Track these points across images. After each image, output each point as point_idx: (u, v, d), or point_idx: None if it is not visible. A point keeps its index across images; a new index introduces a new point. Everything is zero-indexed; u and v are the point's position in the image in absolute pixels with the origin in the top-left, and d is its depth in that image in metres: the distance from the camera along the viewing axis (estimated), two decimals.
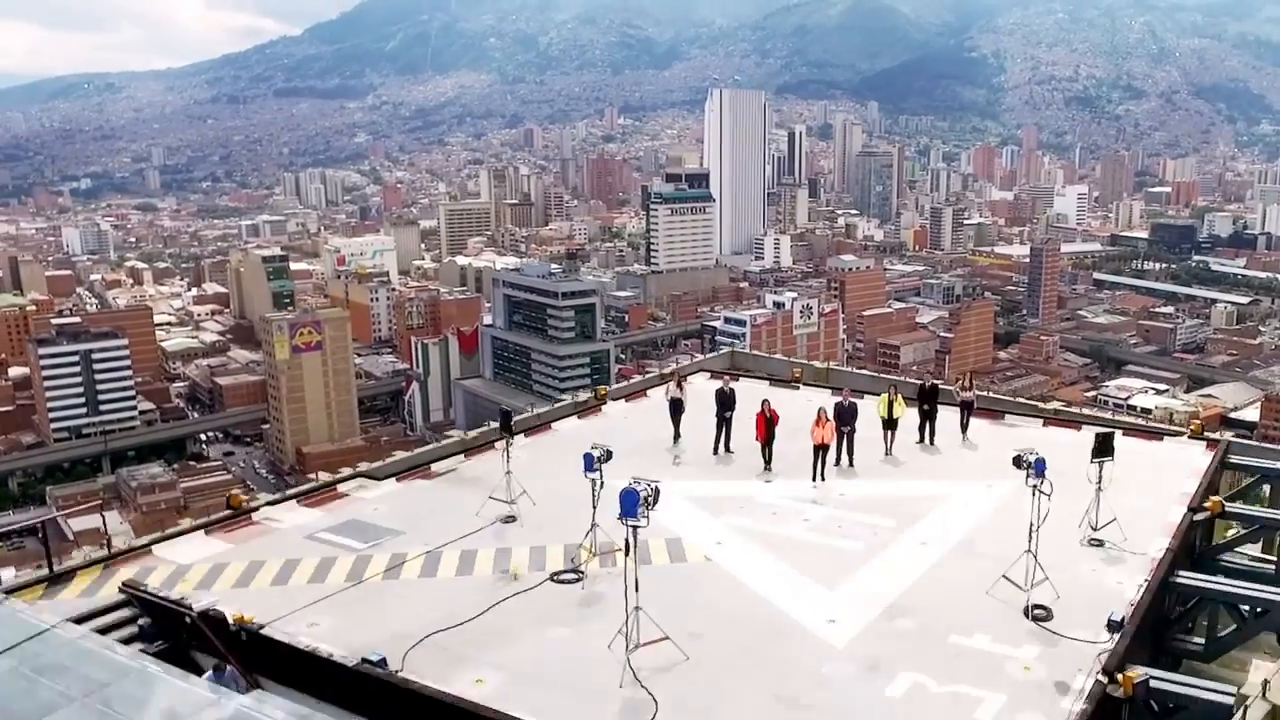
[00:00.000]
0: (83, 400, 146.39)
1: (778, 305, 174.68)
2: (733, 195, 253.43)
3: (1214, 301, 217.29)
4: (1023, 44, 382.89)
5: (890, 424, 21.65)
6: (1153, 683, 11.33)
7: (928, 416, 22.55)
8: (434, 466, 20.09)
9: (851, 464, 20.83)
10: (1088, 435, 19.45)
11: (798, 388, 27.83)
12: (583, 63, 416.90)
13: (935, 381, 24.45)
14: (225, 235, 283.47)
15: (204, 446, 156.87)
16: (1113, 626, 12.19)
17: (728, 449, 21.59)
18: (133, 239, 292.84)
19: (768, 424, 20.30)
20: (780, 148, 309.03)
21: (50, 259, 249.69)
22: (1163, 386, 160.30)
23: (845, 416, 20.73)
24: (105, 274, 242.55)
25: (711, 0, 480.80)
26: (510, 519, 17.03)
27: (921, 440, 22.48)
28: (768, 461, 20.53)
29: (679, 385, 23.26)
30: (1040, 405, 26.65)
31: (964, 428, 22.80)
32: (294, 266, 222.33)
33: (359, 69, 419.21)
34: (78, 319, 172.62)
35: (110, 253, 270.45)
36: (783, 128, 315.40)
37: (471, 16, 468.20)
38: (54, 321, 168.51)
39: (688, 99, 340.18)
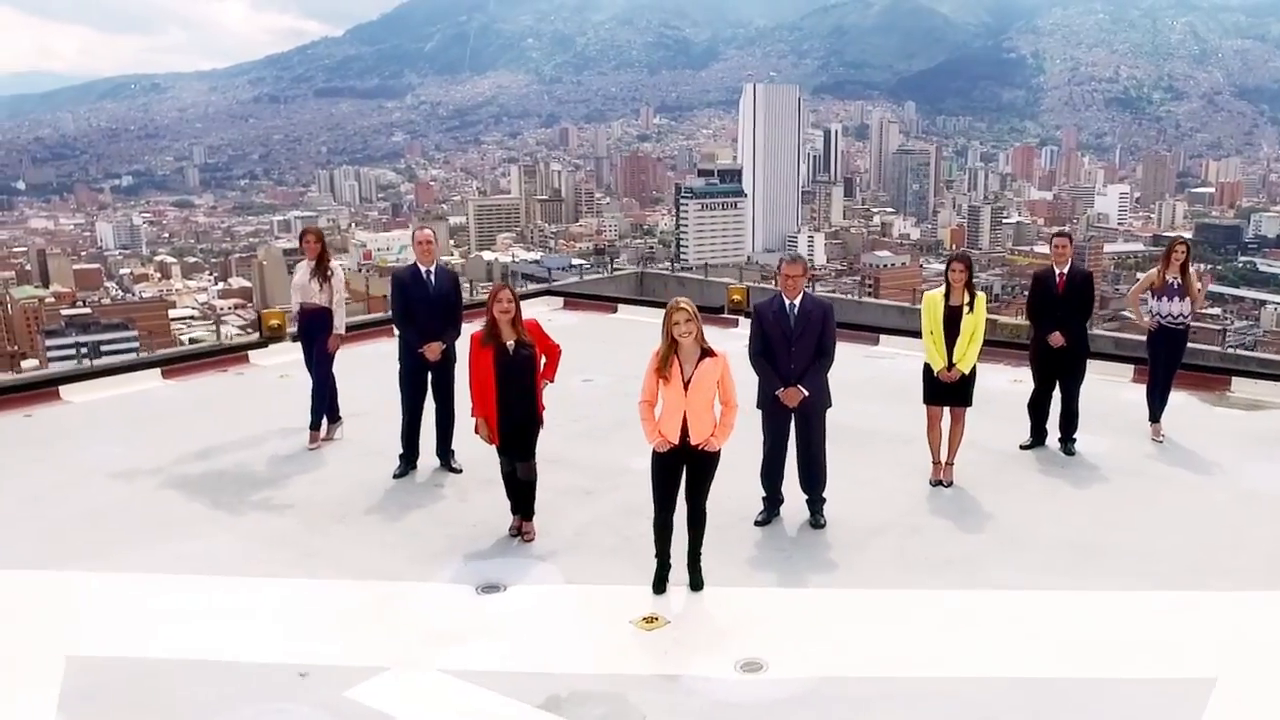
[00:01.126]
0: None
1: None
2: (766, 192, 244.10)
3: (1263, 303, 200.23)
4: (1062, 45, 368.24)
5: (956, 390, 8.80)
6: None
7: (1063, 368, 9.74)
8: None
9: (817, 519, 8.00)
10: None
11: (736, 323, 14.42)
12: (620, 63, 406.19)
13: (1086, 269, 10.61)
14: (258, 231, 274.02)
15: None
16: None
17: (444, 460, 9.22)
18: (167, 234, 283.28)
19: (509, 381, 7.47)
20: (816, 147, 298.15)
21: (83, 253, 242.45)
22: None
23: (783, 354, 7.83)
24: (135, 268, 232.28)
25: (747, 3, 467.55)
26: None
27: (1039, 442, 9.93)
28: (522, 510, 7.86)
29: (318, 274, 9.87)
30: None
31: (1156, 406, 10.17)
32: None
33: (398, 69, 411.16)
34: (88, 310, 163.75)
35: (143, 248, 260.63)
36: (819, 128, 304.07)
37: (510, 18, 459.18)
38: (64, 313, 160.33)
39: (724, 99, 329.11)
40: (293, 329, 12.42)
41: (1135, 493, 8.68)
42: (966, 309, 8.52)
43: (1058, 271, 9.57)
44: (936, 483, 8.86)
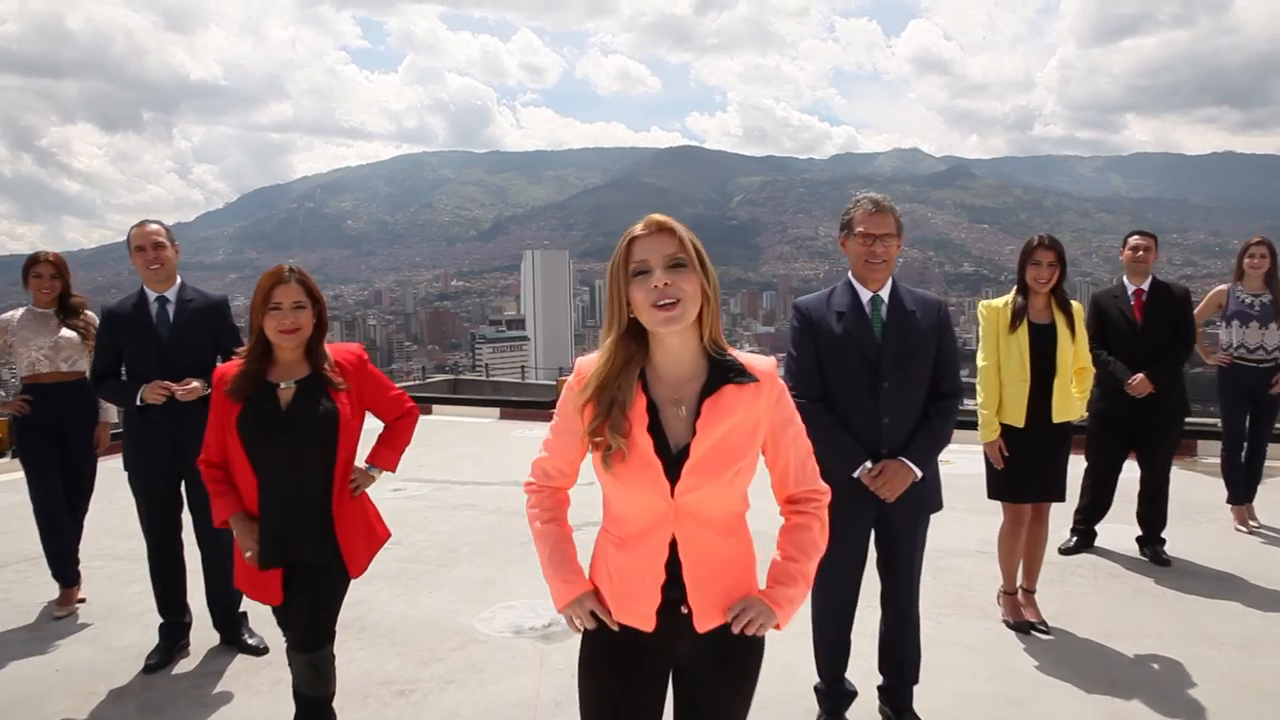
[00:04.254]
0: None
1: None
2: (545, 335, 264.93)
3: None
4: (773, 213, 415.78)
5: (1048, 474, 4.39)
6: None
7: (1147, 433, 5.47)
8: None
9: None
10: None
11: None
12: (423, 238, 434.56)
13: (1180, 284, 5.49)
14: None
15: None
16: None
17: (227, 632, 4.52)
18: None
19: (280, 466, 2.96)
20: (584, 299, 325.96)
21: None
22: None
23: (864, 399, 3.26)
24: None
25: (523, 189, 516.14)
26: None
27: (1087, 543, 5.80)
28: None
29: (66, 323, 5.06)
30: None
31: (1238, 480, 6.19)
32: None
33: (239, 247, 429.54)
34: None
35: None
36: (586, 284, 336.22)
37: (333, 203, 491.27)
38: None
39: (508, 264, 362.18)
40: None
41: None
42: (1065, 330, 4.34)
43: (1132, 288, 5.42)
44: (1024, 627, 4.49)
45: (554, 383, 14.89)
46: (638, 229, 1.89)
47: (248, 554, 3.03)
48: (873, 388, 3.25)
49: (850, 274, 3.38)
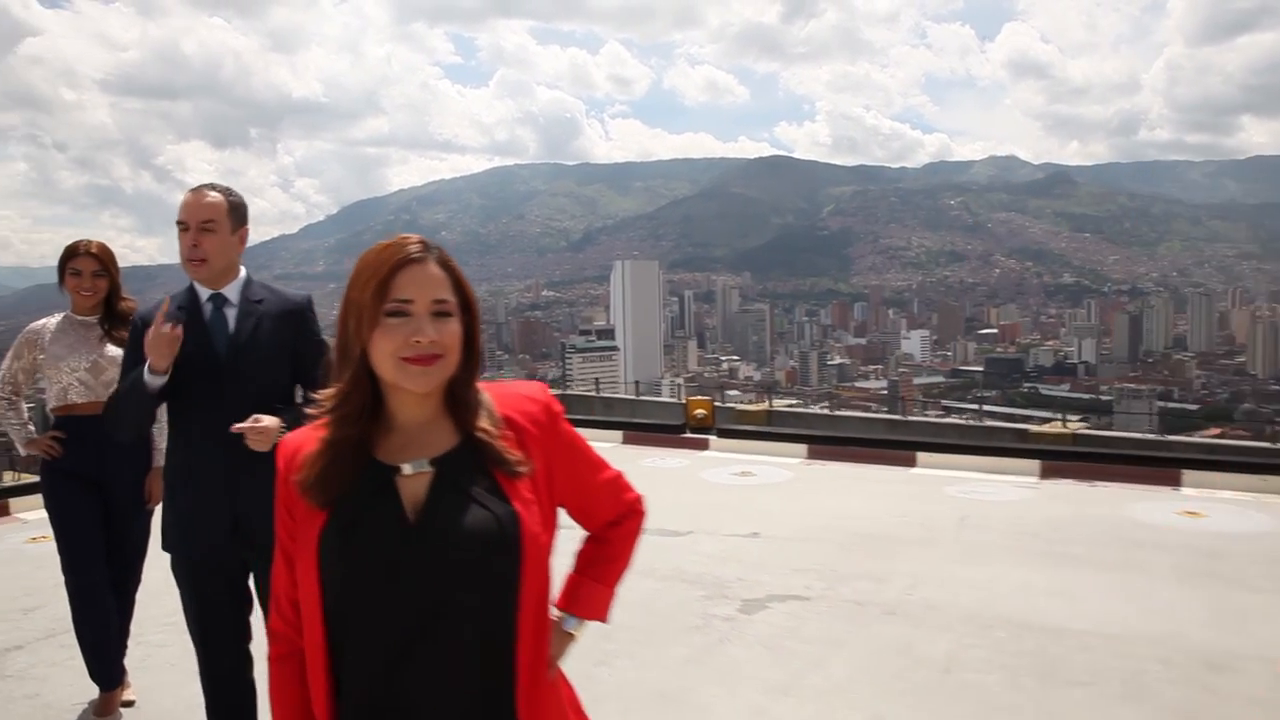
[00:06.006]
0: None
1: None
2: (634, 345, 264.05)
3: (1046, 420, 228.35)
4: (864, 223, 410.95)
5: None
6: None
7: None
8: None
9: None
10: None
11: (705, 444, 9.89)
12: (514, 249, 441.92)
13: None
14: None
15: None
16: None
17: None
18: None
19: (415, 622, 1.34)
20: (673, 309, 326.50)
21: None
22: None
23: None
24: None
25: (612, 201, 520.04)
26: None
27: None
28: None
29: (111, 336, 3.79)
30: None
31: None
32: None
33: (339, 257, 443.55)
34: None
35: None
36: (675, 294, 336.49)
37: (427, 215, 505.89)
38: None
39: (598, 274, 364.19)
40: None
41: None
42: None
43: None
44: None
45: (683, 401, 11.83)
46: None
47: None
48: None
49: None
